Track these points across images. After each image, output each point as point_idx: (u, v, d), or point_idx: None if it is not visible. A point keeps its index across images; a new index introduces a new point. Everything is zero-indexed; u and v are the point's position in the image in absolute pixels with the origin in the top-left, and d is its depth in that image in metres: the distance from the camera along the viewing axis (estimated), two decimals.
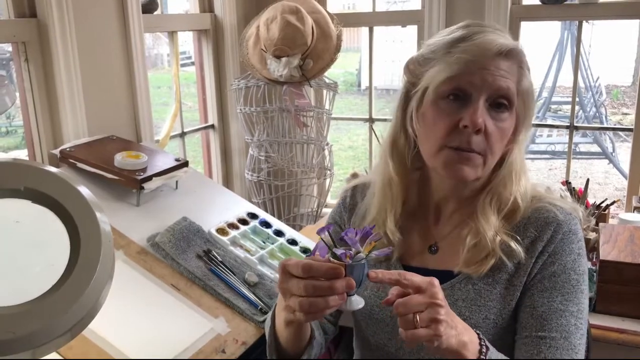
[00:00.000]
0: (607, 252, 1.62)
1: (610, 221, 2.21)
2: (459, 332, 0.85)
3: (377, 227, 1.07)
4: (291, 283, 0.85)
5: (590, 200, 2.14)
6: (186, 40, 3.03)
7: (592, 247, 1.95)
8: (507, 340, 1.01)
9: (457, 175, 0.98)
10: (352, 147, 7.34)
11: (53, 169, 0.90)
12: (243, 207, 1.79)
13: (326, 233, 0.87)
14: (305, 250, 1.68)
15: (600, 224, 1.88)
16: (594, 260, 1.82)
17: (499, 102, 0.97)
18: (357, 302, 0.87)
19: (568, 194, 2.01)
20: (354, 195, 1.19)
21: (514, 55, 0.97)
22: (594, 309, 1.61)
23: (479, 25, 0.99)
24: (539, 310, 0.97)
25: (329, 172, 2.43)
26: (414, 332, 0.82)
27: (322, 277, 0.83)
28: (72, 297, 0.81)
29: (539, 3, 2.27)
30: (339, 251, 0.84)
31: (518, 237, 1.00)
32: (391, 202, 1.08)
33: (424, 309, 0.82)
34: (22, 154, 2.27)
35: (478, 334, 0.90)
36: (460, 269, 1.02)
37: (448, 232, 1.08)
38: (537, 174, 6.44)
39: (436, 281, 0.85)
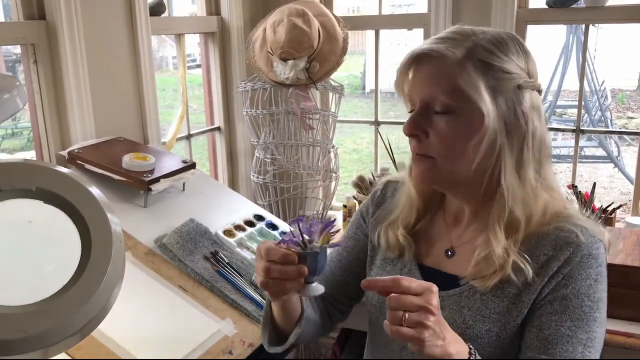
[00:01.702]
0: (615, 256, 1.62)
1: (617, 225, 2.20)
2: (446, 343, 0.84)
3: (395, 228, 1.09)
4: (259, 264, 0.94)
5: (596, 204, 2.14)
6: (191, 43, 3.04)
7: None
8: (510, 355, 0.98)
9: (416, 178, 1.02)
10: (357, 150, 7.35)
11: (65, 170, 0.90)
12: (249, 209, 1.80)
13: (296, 225, 0.93)
14: None
15: (607, 228, 1.88)
16: None
17: (434, 108, 0.97)
18: (316, 289, 0.94)
19: (575, 197, 2.01)
20: (385, 190, 1.19)
21: (431, 60, 0.96)
22: None
23: (434, 37, 1.01)
24: (546, 333, 0.94)
25: (334, 174, 2.44)
26: (399, 329, 0.82)
27: (278, 261, 0.91)
28: (84, 298, 0.81)
29: (546, 7, 2.27)
30: (287, 238, 0.93)
31: (527, 257, 0.96)
32: (410, 207, 1.10)
33: (415, 310, 0.82)
34: (28, 156, 2.28)
35: (470, 348, 0.89)
36: (468, 280, 1.00)
37: (467, 238, 1.06)
38: None
39: (435, 288, 0.85)
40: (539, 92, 1.00)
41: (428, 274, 1.06)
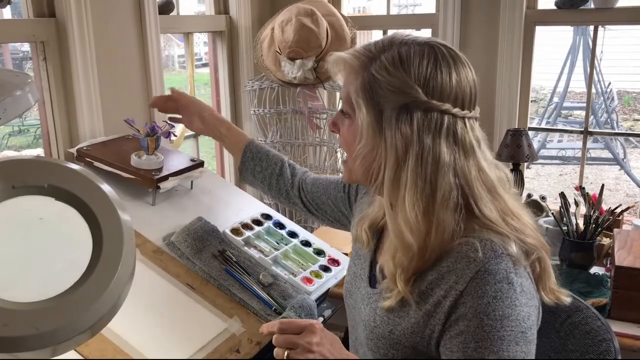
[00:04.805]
0: (623, 258, 1.62)
1: (624, 227, 2.20)
2: None
3: (363, 222, 1.13)
4: None
5: (603, 206, 2.14)
6: (197, 42, 3.03)
7: (606, 253, 1.95)
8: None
9: None
10: None
11: (76, 167, 0.91)
12: (257, 208, 1.79)
13: (155, 125, 1.63)
14: (318, 252, 1.68)
15: (615, 230, 1.87)
16: (609, 266, 1.82)
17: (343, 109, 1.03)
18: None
19: (582, 199, 2.01)
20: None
21: (343, 65, 1.00)
22: (608, 315, 1.61)
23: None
24: (455, 355, 0.91)
25: (341, 174, 2.43)
26: None
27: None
28: (95, 295, 0.81)
29: (555, 7, 2.26)
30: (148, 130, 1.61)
31: (420, 285, 0.95)
32: (379, 203, 1.11)
33: (296, 347, 0.96)
34: (34, 153, 2.29)
35: None
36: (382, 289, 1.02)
37: None
38: (548, 180, 6.41)
39: (318, 325, 0.97)
40: (445, 113, 0.93)
41: (375, 271, 1.10)
